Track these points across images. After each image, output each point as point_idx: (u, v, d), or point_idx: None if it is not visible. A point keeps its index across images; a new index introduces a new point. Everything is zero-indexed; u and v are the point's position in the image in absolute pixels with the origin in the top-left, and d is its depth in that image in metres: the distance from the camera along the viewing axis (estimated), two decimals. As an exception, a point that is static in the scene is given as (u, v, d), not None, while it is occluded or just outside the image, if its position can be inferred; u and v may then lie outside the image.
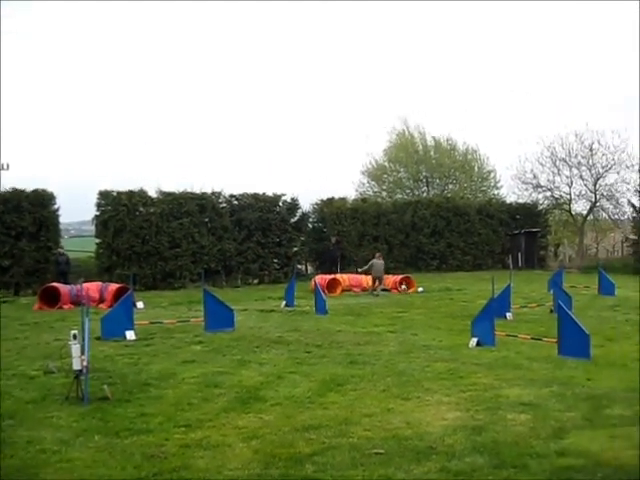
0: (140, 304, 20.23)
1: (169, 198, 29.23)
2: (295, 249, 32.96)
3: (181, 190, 29.83)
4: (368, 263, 25.47)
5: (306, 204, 34.19)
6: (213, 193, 30.56)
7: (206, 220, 30.00)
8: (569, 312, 11.86)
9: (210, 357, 11.93)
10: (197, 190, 30.18)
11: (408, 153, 47.86)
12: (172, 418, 7.81)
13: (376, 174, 48.93)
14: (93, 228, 29.01)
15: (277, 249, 31.63)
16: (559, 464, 5.98)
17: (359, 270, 26.52)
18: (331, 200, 35.22)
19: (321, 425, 7.38)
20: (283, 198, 32.36)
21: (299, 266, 33.66)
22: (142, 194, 28.85)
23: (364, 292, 25.13)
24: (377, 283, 24.44)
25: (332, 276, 26.03)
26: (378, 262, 24.53)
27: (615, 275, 27.58)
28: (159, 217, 28.62)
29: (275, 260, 31.85)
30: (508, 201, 43.44)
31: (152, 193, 29.30)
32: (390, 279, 26.07)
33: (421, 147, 48.79)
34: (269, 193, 32.01)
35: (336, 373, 10.16)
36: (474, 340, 12.60)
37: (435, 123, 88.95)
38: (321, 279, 24.65)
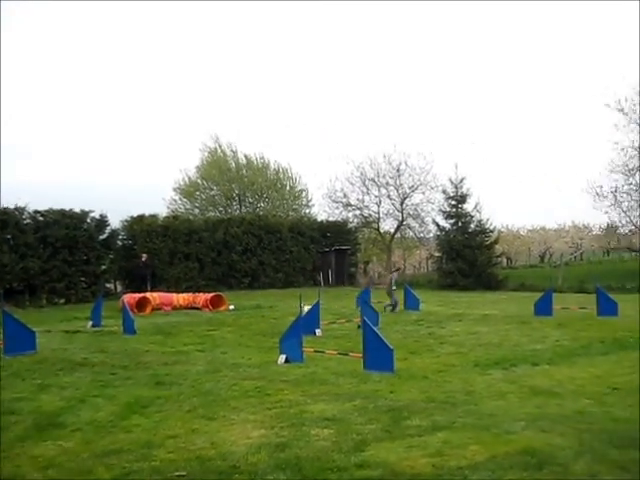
0: None
1: (-33, 214, 27.52)
2: (104, 267, 32.09)
3: (-20, 205, 28.13)
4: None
5: (115, 221, 33.43)
6: (16, 208, 29.05)
7: (8, 237, 28.44)
8: (374, 328, 12.17)
9: (8, 382, 11.24)
10: (-3, 205, 28.57)
11: (220, 171, 47.89)
12: (-39, 451, 7.29)
13: (188, 191, 48.61)
14: None
15: (85, 267, 30.61)
16: (358, 476, 6.10)
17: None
18: (141, 217, 34.69)
19: (122, 449, 7.13)
20: (91, 215, 31.38)
21: (108, 285, 32.83)
22: (-64, 209, 27.01)
23: (175, 311, 24.78)
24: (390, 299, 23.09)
25: (142, 295, 25.47)
26: (389, 276, 23.19)
27: (420, 291, 28.81)
28: (-45, 234, 26.88)
29: (82, 279, 30.79)
30: (319, 219, 44.43)
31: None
32: (201, 297, 25.89)
33: (233, 165, 48.95)
34: (76, 209, 30.90)
35: (141, 395, 9.88)
36: (282, 357, 12.68)
37: (247, 141, 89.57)
38: (130, 298, 24.09)
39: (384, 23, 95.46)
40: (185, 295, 26.86)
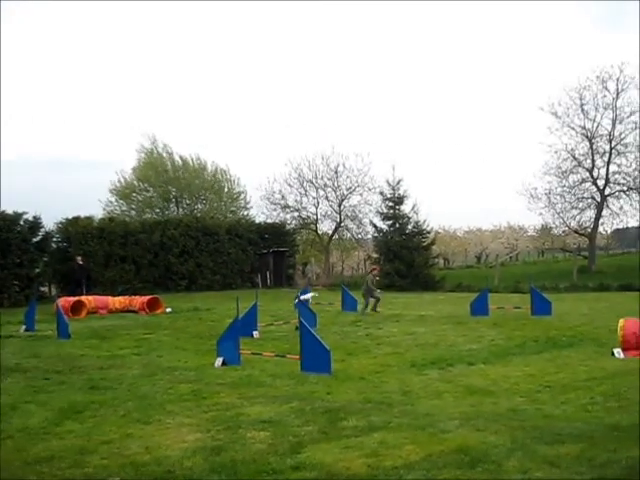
0: None
1: None
2: (37, 270, 31.42)
3: None
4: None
5: (50, 223, 32.82)
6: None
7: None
8: (310, 329, 12.18)
9: (-64, 390, 10.96)
10: None
11: (157, 172, 47.36)
12: None
13: (125, 193, 47.92)
14: None
15: (17, 270, 29.88)
16: (294, 478, 6.08)
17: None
18: (77, 219, 34.15)
19: (55, 456, 6.97)
20: (24, 216, 30.70)
21: (42, 288, 32.24)
22: None
23: (111, 314, 24.43)
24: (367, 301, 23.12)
25: (77, 298, 25.04)
26: (368, 277, 23.73)
27: (358, 292, 28.88)
28: None
29: (15, 282, 30.05)
30: (257, 221, 44.31)
31: None
32: (137, 300, 25.57)
33: (170, 167, 48.47)
34: (9, 211, 30.27)
35: (75, 400, 9.69)
36: (220, 360, 12.61)
37: (185, 143, 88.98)
38: (65, 301, 23.67)
39: (320, 23, 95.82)
40: (121, 298, 26.49)
